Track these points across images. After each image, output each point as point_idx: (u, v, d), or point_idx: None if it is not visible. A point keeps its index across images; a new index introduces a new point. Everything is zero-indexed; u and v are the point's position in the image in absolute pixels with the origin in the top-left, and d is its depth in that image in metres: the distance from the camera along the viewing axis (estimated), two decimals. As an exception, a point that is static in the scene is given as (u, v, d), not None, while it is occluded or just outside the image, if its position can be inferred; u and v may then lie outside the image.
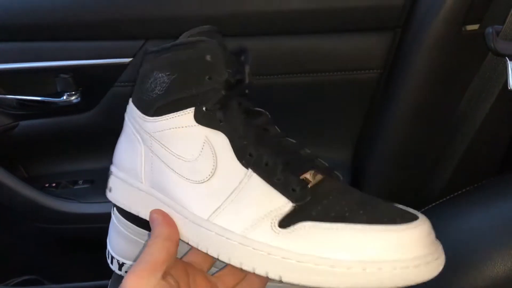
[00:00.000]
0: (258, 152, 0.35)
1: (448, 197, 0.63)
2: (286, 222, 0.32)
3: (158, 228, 0.36)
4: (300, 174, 0.34)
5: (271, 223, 0.33)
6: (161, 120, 0.39)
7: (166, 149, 0.39)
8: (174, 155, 0.39)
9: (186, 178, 0.38)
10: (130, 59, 0.61)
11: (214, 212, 0.36)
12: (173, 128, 0.39)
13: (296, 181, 0.33)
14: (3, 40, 0.61)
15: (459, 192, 0.63)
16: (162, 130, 0.39)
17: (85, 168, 0.71)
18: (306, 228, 0.32)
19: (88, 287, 0.72)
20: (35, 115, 0.67)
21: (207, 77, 0.37)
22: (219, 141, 0.37)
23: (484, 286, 0.50)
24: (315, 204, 0.32)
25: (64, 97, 0.64)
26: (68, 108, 0.65)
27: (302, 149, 0.37)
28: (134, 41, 0.60)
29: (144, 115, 0.41)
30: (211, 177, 0.37)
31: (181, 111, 0.38)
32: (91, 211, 0.66)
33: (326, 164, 0.37)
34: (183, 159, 0.38)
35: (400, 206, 0.34)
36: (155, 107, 0.40)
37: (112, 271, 0.52)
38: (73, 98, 0.64)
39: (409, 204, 0.70)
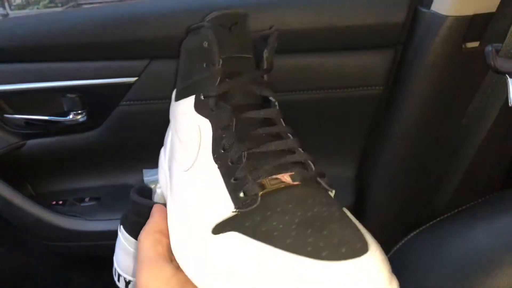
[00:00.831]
0: (231, 148, 0.32)
1: (451, 213, 0.63)
2: (219, 228, 0.30)
3: (153, 223, 0.35)
4: (268, 177, 0.31)
5: (206, 228, 0.30)
6: (176, 106, 0.39)
7: (176, 135, 0.39)
8: (178, 142, 0.38)
9: (180, 166, 0.37)
10: (135, 78, 0.62)
11: (183, 207, 0.34)
12: (180, 114, 0.38)
13: (249, 185, 0.30)
14: (11, 61, 0.62)
15: (463, 207, 0.63)
16: (175, 116, 0.40)
17: (91, 186, 0.72)
18: (231, 238, 0.29)
19: None
20: (42, 134, 0.68)
21: (204, 64, 0.36)
22: (207, 130, 0.35)
23: None
24: (257, 214, 0.29)
25: (71, 116, 0.64)
26: (75, 127, 0.66)
27: (293, 151, 0.33)
28: (139, 60, 0.61)
29: (173, 99, 0.41)
30: (190, 167, 0.35)
31: (187, 98, 0.38)
32: (97, 229, 0.67)
33: (313, 168, 0.33)
34: (182, 147, 0.37)
35: (364, 233, 0.29)
36: (176, 93, 0.40)
37: (118, 289, 0.53)
38: (79, 117, 0.65)
39: (413, 219, 0.70)
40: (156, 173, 0.51)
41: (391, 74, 0.61)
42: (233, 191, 0.31)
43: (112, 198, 0.69)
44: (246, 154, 0.32)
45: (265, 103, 0.38)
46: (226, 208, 0.30)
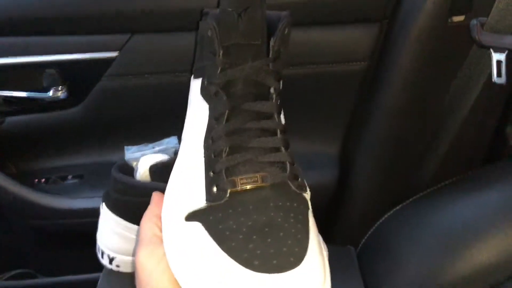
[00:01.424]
0: (217, 141, 0.33)
1: (434, 188, 0.64)
2: (191, 216, 0.31)
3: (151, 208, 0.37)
4: (241, 176, 0.32)
5: (182, 214, 0.32)
6: (192, 82, 0.40)
7: (188, 112, 0.39)
8: (187, 117, 0.39)
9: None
10: (117, 53, 0.61)
11: (169, 190, 0.35)
12: (192, 91, 0.39)
13: (222, 181, 0.31)
14: (-14, 36, 0.60)
15: (446, 182, 0.64)
16: (190, 90, 0.40)
17: (74, 164, 0.71)
18: (193, 229, 0.31)
19: (81, 280, 0.72)
20: (22, 111, 0.66)
21: (209, 52, 0.36)
22: (204, 116, 0.35)
23: (469, 273, 0.51)
24: (221, 210, 0.31)
25: (51, 93, 0.63)
26: (55, 104, 0.65)
27: (277, 150, 0.34)
28: (120, 35, 0.60)
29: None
30: (184, 148, 0.36)
31: (198, 79, 0.38)
32: (80, 206, 0.66)
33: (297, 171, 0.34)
34: (186, 123, 0.38)
35: (312, 244, 0.30)
36: (193, 70, 0.40)
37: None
38: (59, 93, 0.63)
39: (397, 194, 0.71)
40: (138, 150, 0.50)
41: (376, 49, 0.61)
42: (209, 184, 0.32)
43: (95, 175, 0.69)
44: (227, 150, 0.32)
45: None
46: (201, 199, 0.32)
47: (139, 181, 0.48)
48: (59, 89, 0.63)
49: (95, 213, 0.52)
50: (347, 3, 0.57)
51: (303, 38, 0.59)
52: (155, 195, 0.38)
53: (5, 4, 0.59)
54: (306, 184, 0.34)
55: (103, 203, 0.50)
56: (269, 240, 0.28)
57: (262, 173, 0.32)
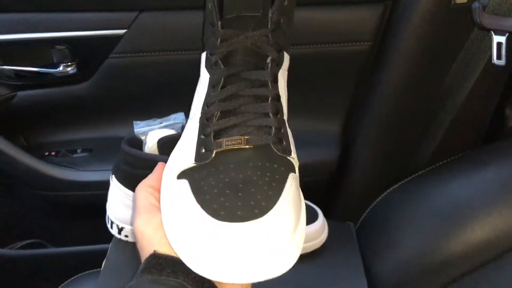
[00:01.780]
0: (210, 106, 0.35)
1: (432, 167, 0.65)
2: (181, 174, 0.33)
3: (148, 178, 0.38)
4: (227, 138, 0.34)
5: (175, 173, 0.34)
6: (201, 58, 0.41)
7: (197, 85, 0.41)
8: (195, 93, 0.41)
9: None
10: (125, 30, 0.61)
11: (172, 156, 0.37)
12: (201, 64, 0.40)
13: (210, 142, 0.33)
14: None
15: (443, 161, 0.65)
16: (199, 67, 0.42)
17: (83, 137, 0.72)
18: (180, 185, 0.32)
19: (90, 250, 0.74)
20: (32, 85, 0.67)
21: (209, 22, 0.38)
22: (205, 86, 0.37)
23: (463, 251, 0.53)
24: (206, 169, 0.33)
25: (61, 68, 0.64)
26: (65, 79, 0.66)
27: (266, 115, 0.35)
28: (128, 12, 0.60)
29: None
30: (190, 118, 0.39)
31: (204, 53, 0.40)
32: (89, 179, 0.68)
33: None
34: (194, 98, 0.40)
35: (284, 202, 0.31)
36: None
37: (112, 235, 0.54)
38: (69, 69, 0.64)
39: (396, 173, 0.72)
40: (146, 125, 0.52)
41: (380, 30, 0.61)
42: (198, 145, 0.34)
43: (103, 149, 0.70)
44: (218, 114, 0.34)
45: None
46: (191, 159, 0.34)
47: (147, 154, 0.49)
48: (69, 64, 0.64)
49: (104, 185, 0.53)
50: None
51: (307, 18, 0.60)
52: (159, 165, 0.38)
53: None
54: (292, 149, 0.36)
55: (113, 175, 0.51)
56: (239, 194, 0.30)
57: (247, 136, 0.33)
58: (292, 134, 0.38)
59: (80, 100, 0.68)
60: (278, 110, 0.36)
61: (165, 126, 0.51)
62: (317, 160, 0.69)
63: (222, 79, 0.36)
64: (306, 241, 0.49)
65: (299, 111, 0.65)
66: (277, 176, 0.32)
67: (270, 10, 0.37)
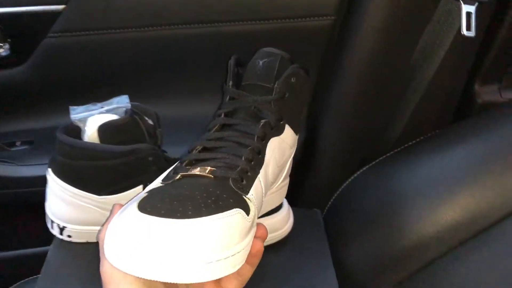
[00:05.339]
0: (197, 142, 0.40)
1: (400, 148, 0.64)
2: (146, 192, 0.36)
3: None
4: (196, 166, 0.38)
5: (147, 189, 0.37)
6: None
7: None
8: None
9: None
10: (63, 6, 0.56)
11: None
12: None
13: (180, 168, 0.38)
14: None
15: (412, 142, 0.63)
16: None
17: (23, 128, 0.66)
18: (132, 200, 0.35)
19: (29, 254, 0.70)
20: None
21: (225, 82, 0.46)
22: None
23: (435, 233, 0.52)
24: (165, 186, 0.36)
25: (-9, 50, 0.58)
26: (-3, 62, 0.60)
27: (239, 156, 0.39)
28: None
29: None
30: None
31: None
32: (31, 174, 0.62)
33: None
34: None
35: (221, 216, 0.33)
36: None
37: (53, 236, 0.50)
38: (1, 50, 0.58)
39: (364, 156, 0.70)
40: (85, 110, 0.47)
41: (343, 3, 0.58)
42: (171, 170, 0.39)
43: (46, 141, 0.64)
44: (200, 149, 0.40)
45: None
46: (160, 179, 0.39)
47: (86, 143, 0.45)
48: (0, 46, 0.58)
49: (45, 181, 0.49)
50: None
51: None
52: (115, 206, 0.39)
53: None
54: (250, 190, 0.38)
55: (49, 169, 0.47)
56: (174, 203, 0.32)
57: (213, 168, 0.37)
58: None
59: (16, 86, 0.63)
60: (252, 159, 0.39)
61: (107, 111, 0.47)
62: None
63: (217, 126, 0.41)
64: (271, 232, 0.50)
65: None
66: (220, 203, 0.34)
67: (277, 82, 0.43)
